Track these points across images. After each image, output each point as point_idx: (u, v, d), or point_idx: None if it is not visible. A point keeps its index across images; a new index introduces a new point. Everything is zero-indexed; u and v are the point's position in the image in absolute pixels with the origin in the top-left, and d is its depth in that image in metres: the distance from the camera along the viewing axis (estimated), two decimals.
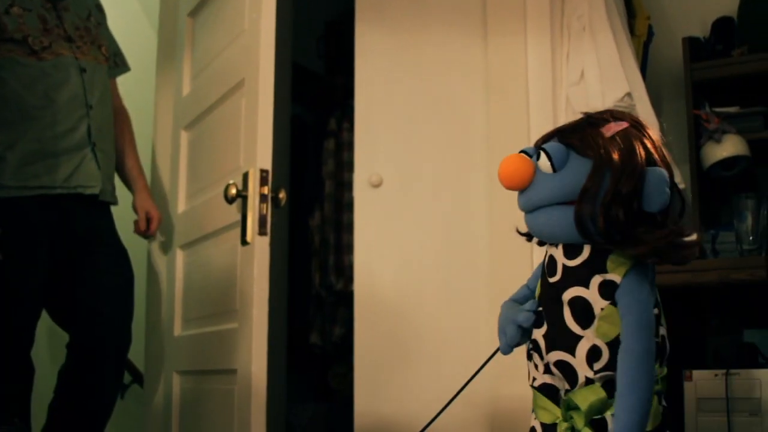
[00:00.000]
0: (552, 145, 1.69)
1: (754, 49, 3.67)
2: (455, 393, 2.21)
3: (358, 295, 3.42)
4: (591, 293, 1.69)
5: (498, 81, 3.30)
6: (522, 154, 1.71)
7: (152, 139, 4.08)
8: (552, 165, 1.67)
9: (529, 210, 1.73)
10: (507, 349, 1.84)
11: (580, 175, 1.66)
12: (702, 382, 3.08)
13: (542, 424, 1.78)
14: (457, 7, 3.43)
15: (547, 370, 1.76)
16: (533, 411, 1.83)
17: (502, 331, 1.84)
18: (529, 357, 1.81)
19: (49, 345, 4.11)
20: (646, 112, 3.18)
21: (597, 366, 1.67)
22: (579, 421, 1.69)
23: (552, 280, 1.74)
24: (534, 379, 1.81)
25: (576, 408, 1.70)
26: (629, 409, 1.58)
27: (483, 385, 3.07)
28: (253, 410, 2.76)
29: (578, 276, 1.71)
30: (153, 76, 4.18)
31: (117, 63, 3.66)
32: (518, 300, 1.89)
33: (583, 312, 1.69)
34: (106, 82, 3.48)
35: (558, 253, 1.74)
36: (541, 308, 1.77)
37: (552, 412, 1.76)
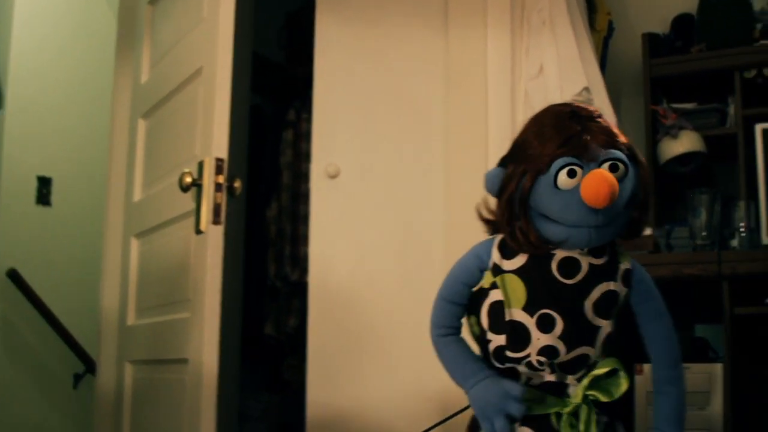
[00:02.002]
0: (620, 156, 1.69)
1: (712, 46, 3.70)
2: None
3: (313, 286, 3.41)
4: (618, 285, 1.80)
5: (457, 74, 3.31)
6: (604, 170, 1.65)
7: (109, 126, 4.04)
8: (626, 174, 1.70)
9: (604, 224, 1.69)
10: (490, 428, 1.80)
11: (634, 180, 1.72)
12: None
13: (526, 422, 1.80)
14: (418, 0, 3.43)
15: (555, 369, 1.79)
16: None
17: (486, 419, 1.80)
18: (528, 364, 1.80)
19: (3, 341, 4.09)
20: (603, 107, 3.19)
21: (609, 349, 1.78)
22: (602, 396, 1.78)
23: (572, 281, 1.76)
24: (529, 379, 1.82)
25: (594, 387, 1.78)
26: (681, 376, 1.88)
27: (435, 380, 3.08)
28: (203, 400, 2.74)
29: (607, 272, 1.79)
30: (112, 63, 4.15)
31: None
32: (456, 301, 1.87)
33: (610, 304, 1.78)
34: None
35: (580, 253, 1.76)
36: (547, 311, 1.76)
37: (553, 406, 1.80)
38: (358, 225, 3.39)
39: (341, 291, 3.37)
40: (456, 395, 3.08)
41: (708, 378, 3.24)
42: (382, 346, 3.30)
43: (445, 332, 1.89)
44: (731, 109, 3.68)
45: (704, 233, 3.42)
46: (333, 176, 3.41)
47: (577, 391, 1.78)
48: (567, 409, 1.77)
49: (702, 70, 3.72)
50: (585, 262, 1.76)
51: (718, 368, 3.24)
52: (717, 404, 3.22)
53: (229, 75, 2.89)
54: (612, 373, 1.80)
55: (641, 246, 3.37)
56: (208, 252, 2.80)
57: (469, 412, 1.88)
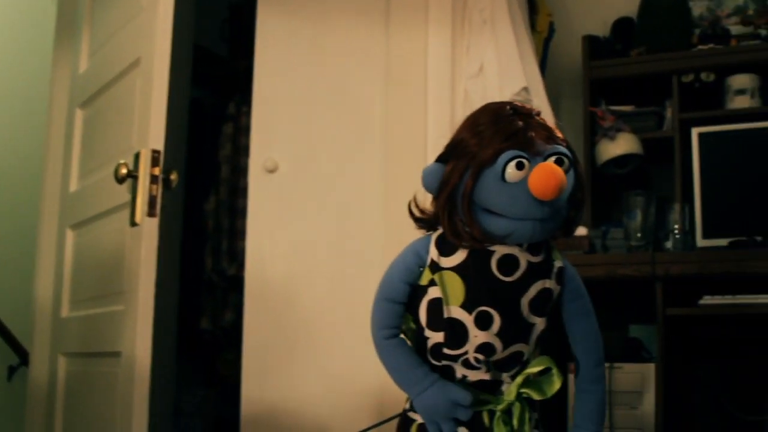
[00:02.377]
0: (565, 151, 1.69)
1: (651, 50, 3.75)
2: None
3: (249, 281, 3.40)
4: (552, 283, 1.80)
5: (398, 71, 3.31)
6: (552, 163, 1.66)
7: (47, 116, 3.99)
8: (569, 168, 1.70)
9: (549, 217, 1.69)
10: (437, 430, 1.81)
11: (574, 177, 1.73)
12: None
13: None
14: None
15: (490, 367, 1.79)
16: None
17: (434, 423, 1.80)
18: (465, 362, 1.79)
19: None
20: (542, 107, 3.21)
21: (542, 346, 1.80)
22: (535, 394, 1.79)
23: (510, 278, 1.76)
24: (465, 377, 1.81)
25: (528, 385, 1.79)
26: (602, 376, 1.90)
27: (370, 376, 3.08)
28: (135, 394, 2.71)
29: (543, 270, 1.79)
30: (50, 52, 4.09)
31: None
32: (398, 300, 1.85)
33: (545, 302, 1.79)
34: None
35: (519, 251, 1.76)
36: (486, 308, 1.76)
37: (486, 403, 1.80)
38: (295, 220, 3.38)
39: (278, 286, 3.35)
40: (391, 392, 3.08)
41: (641, 378, 3.27)
42: (317, 342, 3.29)
43: (390, 333, 1.85)
44: (668, 113, 3.73)
45: (639, 234, 3.46)
46: (271, 171, 3.40)
47: (510, 388, 1.79)
48: (500, 407, 1.78)
49: (641, 74, 3.76)
50: (524, 259, 1.76)
51: (650, 368, 3.27)
52: (649, 404, 3.25)
53: (167, 66, 2.87)
54: (545, 372, 1.81)
55: (577, 246, 3.40)
56: (143, 244, 2.78)
57: (394, 401, 1.89)
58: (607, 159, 3.68)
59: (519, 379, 1.79)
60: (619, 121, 3.69)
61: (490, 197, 1.68)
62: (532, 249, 1.78)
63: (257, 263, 3.41)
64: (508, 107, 1.75)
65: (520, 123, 1.69)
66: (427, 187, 1.78)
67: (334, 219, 3.34)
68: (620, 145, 3.66)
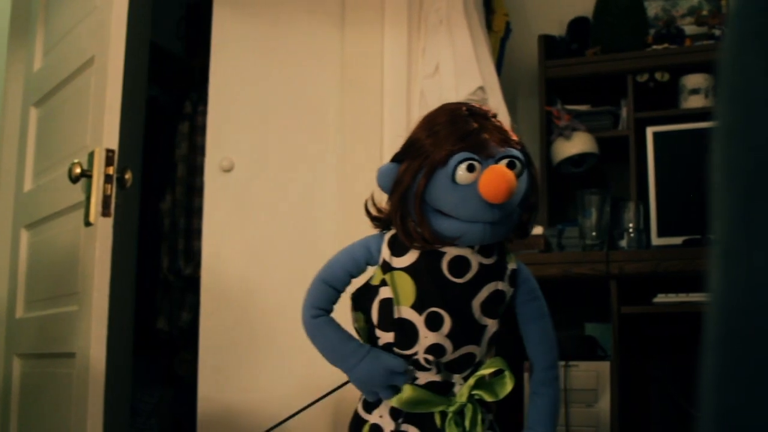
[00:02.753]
0: (517, 154, 1.69)
1: (607, 49, 3.77)
2: (294, 413, 2.22)
3: (205, 281, 3.39)
4: (505, 285, 1.80)
5: (354, 71, 3.31)
6: (502, 166, 1.65)
7: (0, 115, 3.95)
8: (522, 172, 1.70)
9: (499, 220, 1.69)
10: (376, 398, 1.82)
11: (528, 180, 1.73)
12: None
13: (409, 420, 1.78)
14: None
15: (441, 369, 1.78)
16: (373, 409, 1.83)
17: (372, 393, 1.80)
18: (415, 363, 1.79)
19: None
20: (498, 107, 3.22)
21: (492, 347, 1.80)
22: (488, 396, 1.79)
23: (461, 280, 1.76)
24: (415, 378, 1.80)
25: (480, 387, 1.78)
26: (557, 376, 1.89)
27: (326, 375, 3.08)
28: (90, 394, 2.70)
29: (496, 271, 1.79)
30: (5, 49, 4.05)
31: None
32: (336, 287, 1.85)
33: (497, 304, 1.79)
34: None
35: (471, 252, 1.76)
36: (436, 309, 1.75)
37: (438, 405, 1.78)
38: (251, 220, 3.38)
39: (234, 286, 3.35)
40: (348, 391, 3.08)
41: (596, 376, 3.29)
42: (274, 341, 3.29)
43: (318, 313, 1.84)
44: (623, 112, 3.76)
45: (594, 233, 3.48)
46: (227, 170, 3.39)
47: (462, 390, 1.79)
48: (452, 408, 1.77)
49: (596, 73, 3.79)
50: (475, 261, 1.76)
51: (606, 366, 3.29)
52: (605, 401, 3.27)
53: (121, 65, 2.85)
54: (498, 373, 1.81)
55: (533, 245, 3.41)
56: (97, 244, 2.76)
57: (350, 402, 1.88)
58: (562, 158, 3.70)
59: (471, 381, 1.78)
60: (574, 121, 3.71)
61: (441, 198, 1.68)
62: (483, 251, 1.78)
63: (213, 263, 3.40)
64: (464, 108, 1.75)
65: (475, 125, 1.69)
66: (382, 187, 1.78)
67: (290, 218, 3.34)
68: (576, 144, 3.68)
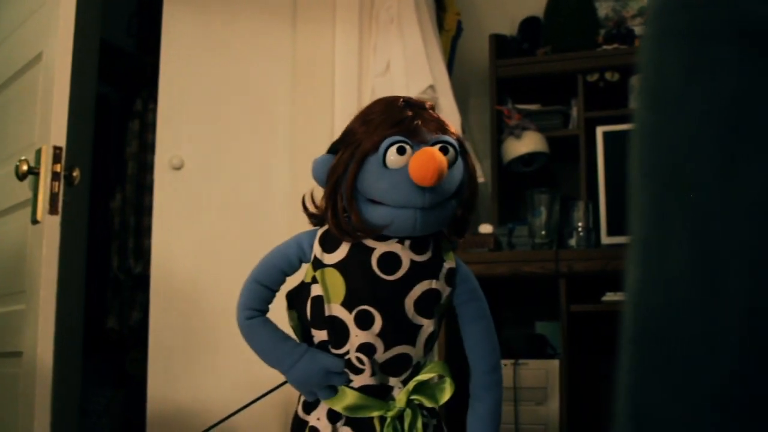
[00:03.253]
0: (451, 140, 1.65)
1: (557, 49, 3.79)
2: (240, 407, 2.19)
3: (155, 279, 3.37)
4: (440, 284, 1.74)
5: (305, 69, 3.31)
6: (433, 148, 1.61)
7: None
8: (455, 160, 1.66)
9: (431, 206, 1.65)
10: (314, 398, 1.78)
11: (463, 172, 1.70)
12: None
13: (348, 423, 1.75)
14: None
15: (376, 371, 1.73)
16: (311, 410, 1.80)
17: (310, 393, 1.76)
18: (349, 363, 1.73)
19: None
20: (448, 106, 3.23)
21: (429, 349, 1.75)
22: (427, 401, 1.74)
23: (392, 277, 1.70)
24: (349, 381, 1.74)
25: (419, 391, 1.74)
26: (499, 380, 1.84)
27: (277, 375, 3.06)
28: (37, 394, 2.67)
29: (429, 269, 1.73)
30: None
31: None
32: (270, 286, 1.81)
33: (431, 303, 1.73)
34: None
35: (402, 248, 1.71)
36: (366, 307, 1.70)
37: (377, 409, 1.73)
38: (201, 218, 3.36)
39: (184, 285, 3.33)
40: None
41: (546, 374, 3.31)
42: (224, 340, 3.27)
43: (252, 314, 1.80)
44: (574, 112, 3.78)
45: (543, 232, 3.50)
46: (177, 168, 3.38)
47: (401, 395, 1.74)
48: (391, 413, 1.72)
49: (547, 73, 3.80)
50: (406, 258, 1.71)
51: (555, 364, 3.31)
52: (554, 400, 3.29)
53: (69, 61, 2.82)
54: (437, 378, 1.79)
55: (482, 244, 3.42)
56: (45, 242, 2.74)
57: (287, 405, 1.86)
58: (513, 157, 3.71)
59: (410, 385, 1.74)
60: (525, 120, 3.72)
61: (371, 184, 1.64)
62: (416, 247, 1.72)
63: (163, 261, 3.38)
64: (401, 100, 1.71)
65: (409, 112, 1.66)
66: (317, 178, 1.73)
67: (240, 216, 3.33)
68: (526, 144, 3.69)
